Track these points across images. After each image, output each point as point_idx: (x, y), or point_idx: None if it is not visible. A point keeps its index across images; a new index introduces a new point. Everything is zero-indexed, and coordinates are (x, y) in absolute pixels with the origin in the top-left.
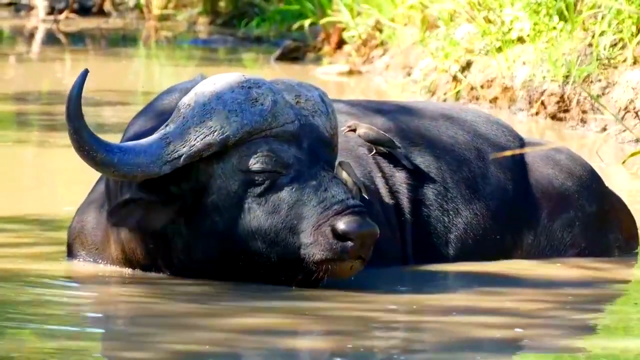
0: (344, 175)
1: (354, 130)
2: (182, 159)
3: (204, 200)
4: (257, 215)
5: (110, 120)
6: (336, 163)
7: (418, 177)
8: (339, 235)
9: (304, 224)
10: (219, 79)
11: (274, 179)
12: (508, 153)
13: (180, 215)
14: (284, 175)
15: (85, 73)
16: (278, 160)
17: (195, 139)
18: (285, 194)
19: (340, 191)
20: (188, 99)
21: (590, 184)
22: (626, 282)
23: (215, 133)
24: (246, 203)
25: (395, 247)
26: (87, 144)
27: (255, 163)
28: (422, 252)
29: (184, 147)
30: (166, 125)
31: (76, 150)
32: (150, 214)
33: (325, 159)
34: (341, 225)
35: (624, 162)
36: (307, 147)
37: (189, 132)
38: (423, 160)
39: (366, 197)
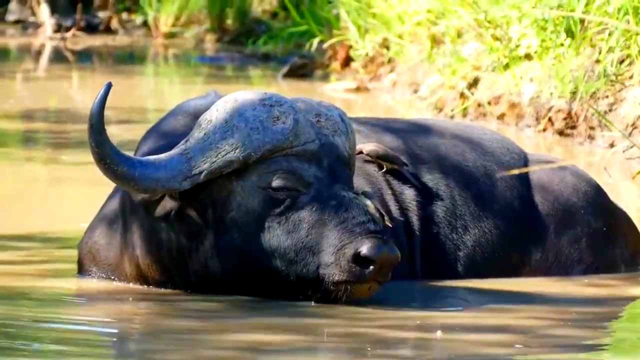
0: (368, 202)
1: (361, 152)
2: (202, 175)
3: (223, 216)
4: (276, 233)
5: (119, 138)
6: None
7: (427, 195)
8: (360, 259)
9: (325, 244)
10: (241, 95)
11: (294, 197)
12: (515, 171)
13: (198, 231)
14: (304, 194)
15: (109, 87)
16: (298, 179)
17: (217, 156)
18: (306, 213)
19: (361, 212)
20: (209, 115)
21: (596, 200)
22: (633, 299)
23: (237, 150)
24: (266, 221)
25: (404, 264)
26: (108, 157)
27: (275, 181)
28: (431, 270)
29: (204, 163)
30: (186, 141)
31: (97, 163)
32: (157, 199)
33: (344, 178)
34: (364, 249)
35: (634, 178)
36: (327, 166)
37: (210, 148)
38: (432, 178)
39: (390, 225)
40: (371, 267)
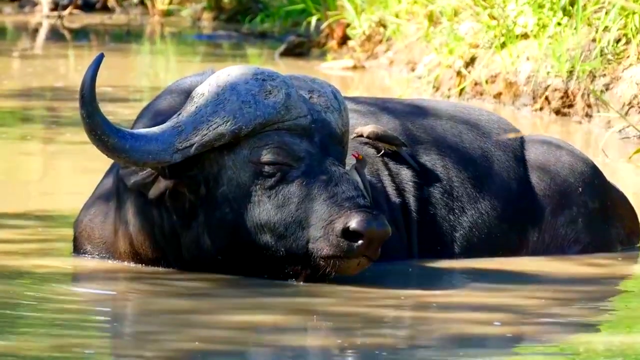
0: (357, 178)
1: (361, 136)
2: (193, 147)
3: (214, 191)
4: (266, 207)
5: (115, 116)
6: (350, 164)
7: (424, 176)
8: (348, 233)
9: (313, 218)
10: (234, 70)
11: (285, 172)
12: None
13: (191, 207)
14: (294, 168)
15: (101, 57)
16: (289, 153)
17: (208, 129)
18: (296, 188)
19: (350, 187)
20: (202, 89)
21: (592, 180)
22: (629, 277)
23: (228, 123)
24: (256, 195)
25: (401, 245)
26: (99, 128)
27: (266, 155)
28: (428, 251)
29: (196, 136)
30: (179, 114)
31: (88, 134)
32: (152, 179)
33: (335, 154)
34: (353, 223)
35: (630, 158)
36: (319, 141)
37: (201, 121)
38: (429, 159)
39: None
40: (360, 241)
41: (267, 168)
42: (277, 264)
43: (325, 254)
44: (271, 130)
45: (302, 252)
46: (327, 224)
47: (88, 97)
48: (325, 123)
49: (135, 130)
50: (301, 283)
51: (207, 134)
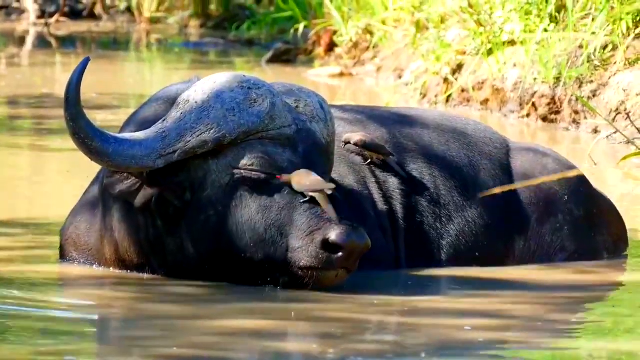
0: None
1: (348, 142)
2: (176, 154)
3: (199, 195)
4: (248, 214)
5: (102, 123)
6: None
7: (412, 184)
8: (328, 245)
9: (294, 228)
10: (219, 77)
11: (267, 180)
12: (497, 190)
13: (175, 213)
14: (277, 178)
15: (87, 61)
16: (272, 164)
17: (192, 136)
18: (278, 196)
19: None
20: (187, 95)
21: (578, 188)
22: (615, 284)
23: (212, 131)
24: (239, 201)
25: (388, 253)
26: (83, 131)
27: (249, 164)
28: (415, 259)
29: (179, 142)
30: (164, 120)
31: (72, 137)
32: (138, 187)
33: (319, 165)
34: (333, 235)
35: (618, 165)
36: (302, 152)
37: (185, 127)
38: (416, 167)
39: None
40: (339, 253)
41: (249, 176)
42: (256, 270)
43: (304, 265)
44: (255, 139)
45: (281, 260)
46: (307, 234)
47: (73, 100)
48: (310, 133)
49: (119, 135)
50: (286, 289)
51: (190, 141)
